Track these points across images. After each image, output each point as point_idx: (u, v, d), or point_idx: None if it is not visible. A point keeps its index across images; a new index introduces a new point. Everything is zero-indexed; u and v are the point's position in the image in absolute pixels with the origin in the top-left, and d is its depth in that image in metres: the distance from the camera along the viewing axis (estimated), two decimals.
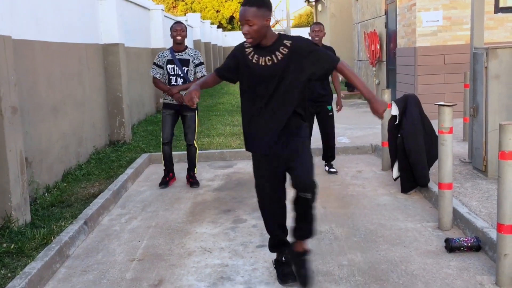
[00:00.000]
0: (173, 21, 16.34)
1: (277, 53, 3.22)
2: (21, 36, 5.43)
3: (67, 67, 6.82)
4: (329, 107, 6.38)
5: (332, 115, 6.44)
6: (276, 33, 3.29)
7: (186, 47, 5.96)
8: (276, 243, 3.64)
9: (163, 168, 6.20)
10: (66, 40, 6.84)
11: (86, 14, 7.84)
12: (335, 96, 6.62)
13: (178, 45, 5.89)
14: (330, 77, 6.41)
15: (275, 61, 3.22)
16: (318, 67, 3.27)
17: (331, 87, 6.54)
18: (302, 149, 3.33)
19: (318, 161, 6.78)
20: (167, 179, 6.18)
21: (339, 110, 6.55)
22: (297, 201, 3.34)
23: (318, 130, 6.51)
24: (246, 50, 3.31)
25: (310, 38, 6.35)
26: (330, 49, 6.38)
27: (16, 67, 4.90)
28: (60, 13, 6.73)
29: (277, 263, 3.64)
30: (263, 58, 3.24)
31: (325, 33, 6.39)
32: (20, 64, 5.33)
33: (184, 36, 5.89)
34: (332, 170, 6.52)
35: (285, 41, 3.24)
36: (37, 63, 5.88)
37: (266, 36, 3.21)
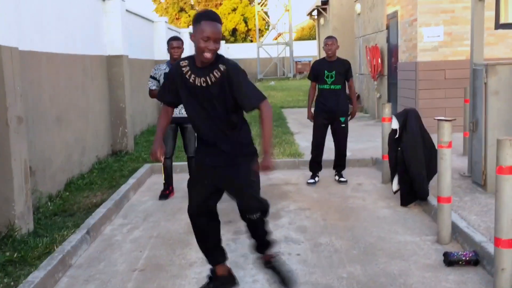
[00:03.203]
0: (176, 33, 16.51)
1: (211, 75, 3.19)
2: (27, 48, 5.52)
3: (71, 78, 6.91)
4: (342, 119, 6.50)
5: (345, 127, 6.56)
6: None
7: None
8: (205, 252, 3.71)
9: (163, 181, 6.25)
10: (71, 51, 6.93)
11: (91, 26, 7.94)
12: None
13: (175, 60, 5.97)
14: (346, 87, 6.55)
15: (209, 83, 3.20)
16: (240, 101, 3.24)
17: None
18: (243, 171, 3.31)
19: (328, 172, 6.85)
20: (167, 192, 6.22)
21: (350, 118, 6.64)
22: (248, 223, 3.43)
23: (330, 141, 6.65)
24: (183, 69, 3.27)
25: (324, 51, 6.47)
26: (344, 63, 6.47)
27: (22, 77, 4.97)
28: (65, 25, 6.83)
29: (208, 278, 3.71)
30: (199, 78, 3.21)
31: (338, 46, 6.49)
32: (26, 74, 5.41)
33: (181, 52, 5.98)
34: (342, 179, 6.65)
35: (220, 64, 3.20)
36: (42, 74, 5.97)
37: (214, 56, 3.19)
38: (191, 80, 3.24)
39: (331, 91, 6.44)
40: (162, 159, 3.32)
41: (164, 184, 6.24)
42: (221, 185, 3.42)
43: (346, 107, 6.55)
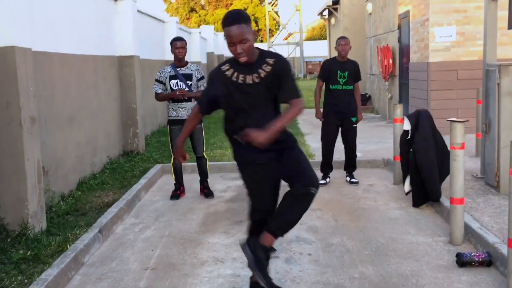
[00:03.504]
0: (187, 33, 16.55)
1: (260, 70, 3.19)
2: (40, 48, 5.56)
3: (83, 78, 6.95)
4: (353, 119, 6.51)
5: (356, 127, 6.56)
6: (255, 47, 3.22)
7: (187, 62, 6.06)
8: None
9: (174, 182, 6.26)
10: (83, 52, 6.98)
11: (103, 27, 7.99)
12: None
13: (180, 61, 5.98)
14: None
15: (259, 79, 3.19)
16: (280, 93, 3.25)
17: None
18: (297, 152, 3.36)
19: (338, 173, 6.84)
20: (178, 193, 6.24)
21: (358, 121, 6.63)
22: (300, 197, 3.25)
23: (339, 142, 6.65)
24: (226, 73, 3.24)
25: (337, 52, 6.46)
26: (354, 64, 6.49)
27: (35, 78, 5.02)
28: (77, 26, 6.87)
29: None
30: (249, 76, 3.19)
31: (351, 46, 6.49)
32: (39, 75, 5.46)
33: (185, 52, 5.99)
34: (353, 180, 6.65)
35: (267, 58, 3.21)
36: (55, 74, 6.01)
37: (253, 53, 3.18)
38: (239, 81, 3.20)
39: (344, 92, 6.43)
40: (186, 160, 3.39)
41: (175, 184, 6.26)
42: (280, 173, 3.33)
43: (356, 108, 6.55)
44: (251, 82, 3.19)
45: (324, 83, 6.56)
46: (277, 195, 3.46)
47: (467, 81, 9.48)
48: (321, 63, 6.81)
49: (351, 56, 6.71)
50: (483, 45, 6.14)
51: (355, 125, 6.55)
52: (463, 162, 4.33)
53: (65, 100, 6.28)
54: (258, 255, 3.30)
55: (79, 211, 5.50)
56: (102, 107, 7.66)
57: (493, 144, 5.62)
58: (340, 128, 6.60)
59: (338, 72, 6.40)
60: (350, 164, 6.73)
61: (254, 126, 3.17)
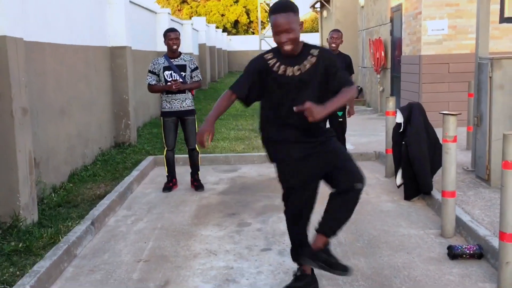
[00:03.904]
0: (179, 25, 16.46)
1: (305, 62, 3.13)
2: (32, 38, 5.51)
3: (75, 69, 6.90)
4: (339, 113, 6.53)
5: (343, 121, 6.60)
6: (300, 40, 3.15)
7: (180, 53, 6.04)
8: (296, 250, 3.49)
9: (166, 174, 6.25)
10: (75, 42, 6.92)
11: (95, 17, 7.92)
12: None
13: (173, 52, 5.95)
14: None
15: (303, 70, 3.13)
16: (333, 81, 3.17)
17: None
18: (335, 146, 3.26)
19: None
20: (171, 185, 6.23)
21: (348, 117, 6.65)
22: (346, 195, 3.17)
23: None
24: (269, 62, 3.16)
25: (327, 44, 6.47)
26: (346, 58, 6.49)
27: (26, 68, 4.97)
28: (69, 16, 6.81)
29: (294, 276, 3.52)
30: (291, 68, 3.12)
31: (342, 41, 6.48)
32: (30, 65, 5.41)
33: (179, 43, 5.97)
34: None
35: (312, 50, 3.16)
36: (47, 64, 5.96)
37: (297, 44, 3.11)
38: (280, 72, 3.13)
39: None
40: (208, 143, 3.13)
41: (167, 176, 6.24)
42: (318, 169, 3.22)
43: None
44: (291, 74, 3.13)
45: None
46: (315, 195, 3.38)
47: (459, 74, 9.53)
48: None
49: (343, 48, 6.71)
50: (475, 39, 6.16)
51: (341, 119, 6.58)
52: (455, 155, 4.35)
53: (57, 91, 6.23)
54: (320, 258, 3.20)
55: (71, 203, 5.48)
56: (93, 98, 7.61)
57: (484, 137, 5.66)
58: (328, 121, 6.58)
59: None
60: None
61: (291, 118, 3.12)
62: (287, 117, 3.16)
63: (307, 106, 2.89)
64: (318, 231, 3.24)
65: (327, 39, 6.54)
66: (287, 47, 3.05)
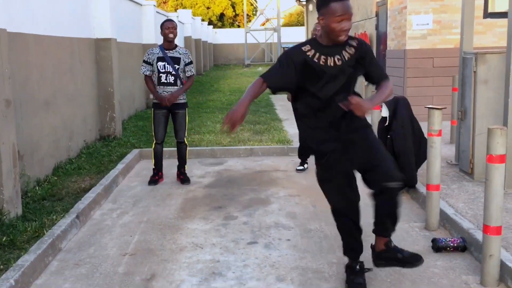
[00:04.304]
0: (164, 17, 16.33)
1: (344, 52, 3.14)
2: (15, 29, 5.43)
3: (59, 61, 6.82)
4: None
5: None
6: None
7: (176, 45, 6.00)
8: (353, 246, 3.47)
9: (153, 167, 6.22)
10: (59, 34, 6.84)
11: (79, 8, 7.83)
12: None
13: (169, 43, 5.90)
14: None
15: (344, 60, 3.13)
16: (371, 74, 3.22)
17: None
18: (371, 141, 3.25)
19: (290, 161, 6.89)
20: (156, 178, 6.20)
21: None
22: (382, 195, 3.16)
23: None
24: (308, 53, 3.14)
25: (314, 36, 6.48)
26: None
27: (10, 60, 4.90)
28: (53, 7, 6.73)
29: (350, 270, 3.48)
30: (332, 58, 3.12)
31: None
32: (14, 57, 5.33)
33: (176, 34, 5.92)
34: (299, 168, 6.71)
35: (350, 41, 3.16)
36: (30, 56, 5.88)
37: None
38: (321, 62, 3.12)
39: None
40: (236, 128, 3.02)
41: (154, 169, 6.22)
42: (355, 162, 3.22)
43: None
44: (332, 64, 3.12)
45: None
46: (355, 188, 3.37)
47: (443, 68, 9.61)
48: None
49: None
50: (460, 34, 6.21)
51: None
52: (440, 149, 4.40)
53: (41, 83, 6.15)
54: (387, 258, 3.23)
55: (55, 196, 5.43)
56: (78, 91, 7.54)
57: (468, 132, 5.72)
58: None
59: None
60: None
61: (332, 108, 3.13)
62: (326, 107, 3.16)
63: (354, 101, 2.93)
64: (376, 233, 3.29)
65: (312, 31, 6.56)
66: (344, 36, 3.04)
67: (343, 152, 3.23)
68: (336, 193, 3.37)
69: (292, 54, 3.18)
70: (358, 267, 3.45)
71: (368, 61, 3.19)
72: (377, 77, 3.22)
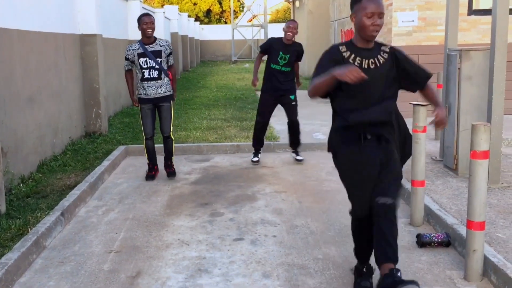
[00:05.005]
0: (151, 13, 16.23)
1: (379, 56, 3.12)
2: None
3: (43, 57, 6.76)
4: (292, 97, 6.70)
5: (296, 104, 6.76)
6: None
7: (155, 38, 5.93)
8: (362, 254, 3.41)
9: (147, 162, 6.18)
10: (44, 29, 6.76)
11: (64, 4, 7.76)
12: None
13: (148, 38, 5.85)
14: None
15: (378, 64, 3.11)
16: (411, 81, 3.25)
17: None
18: (391, 149, 3.26)
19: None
20: (153, 173, 6.17)
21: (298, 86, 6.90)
22: (376, 216, 3.11)
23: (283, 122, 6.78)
24: (344, 54, 3.11)
25: (283, 33, 6.56)
26: (299, 46, 6.66)
27: None
28: (38, 2, 6.65)
29: (357, 272, 3.44)
30: (366, 60, 3.10)
31: (297, 32, 6.63)
32: None
33: (154, 28, 5.83)
34: (298, 158, 6.86)
35: (383, 47, 3.17)
36: (14, 51, 5.82)
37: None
38: (356, 63, 3.09)
39: (281, 72, 6.59)
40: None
41: (148, 164, 6.17)
42: (378, 168, 3.17)
43: (294, 86, 6.75)
44: (367, 67, 3.09)
45: (267, 59, 6.70)
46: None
47: (428, 65, 9.42)
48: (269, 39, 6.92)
49: (316, 38, 6.79)
50: (444, 31, 6.25)
51: (294, 102, 6.72)
52: (425, 145, 4.43)
53: (25, 79, 6.09)
54: (394, 281, 3.02)
55: (40, 194, 5.39)
56: (63, 87, 7.47)
57: (452, 128, 5.77)
58: (282, 106, 6.75)
59: (280, 53, 6.52)
60: (295, 141, 6.88)
61: (369, 110, 3.12)
62: (361, 109, 3.13)
63: (440, 118, 3.12)
64: (381, 262, 3.10)
65: (283, 28, 6.63)
66: (375, 33, 3.03)
67: (375, 155, 3.22)
68: (363, 200, 3.25)
69: (331, 53, 3.16)
70: (365, 269, 3.41)
71: (406, 65, 3.18)
72: (424, 80, 3.29)
